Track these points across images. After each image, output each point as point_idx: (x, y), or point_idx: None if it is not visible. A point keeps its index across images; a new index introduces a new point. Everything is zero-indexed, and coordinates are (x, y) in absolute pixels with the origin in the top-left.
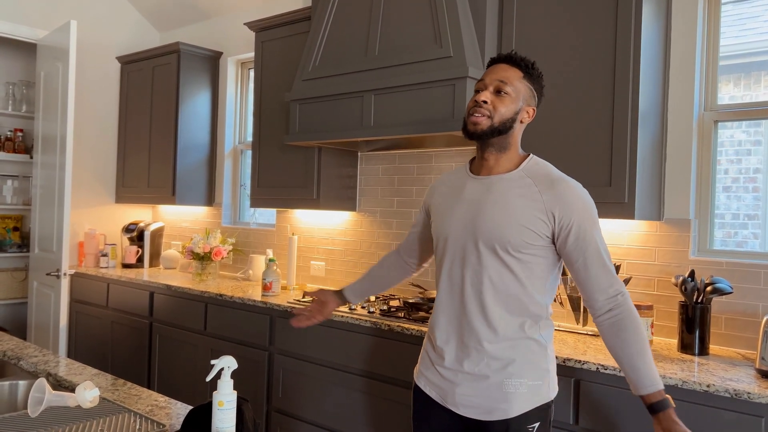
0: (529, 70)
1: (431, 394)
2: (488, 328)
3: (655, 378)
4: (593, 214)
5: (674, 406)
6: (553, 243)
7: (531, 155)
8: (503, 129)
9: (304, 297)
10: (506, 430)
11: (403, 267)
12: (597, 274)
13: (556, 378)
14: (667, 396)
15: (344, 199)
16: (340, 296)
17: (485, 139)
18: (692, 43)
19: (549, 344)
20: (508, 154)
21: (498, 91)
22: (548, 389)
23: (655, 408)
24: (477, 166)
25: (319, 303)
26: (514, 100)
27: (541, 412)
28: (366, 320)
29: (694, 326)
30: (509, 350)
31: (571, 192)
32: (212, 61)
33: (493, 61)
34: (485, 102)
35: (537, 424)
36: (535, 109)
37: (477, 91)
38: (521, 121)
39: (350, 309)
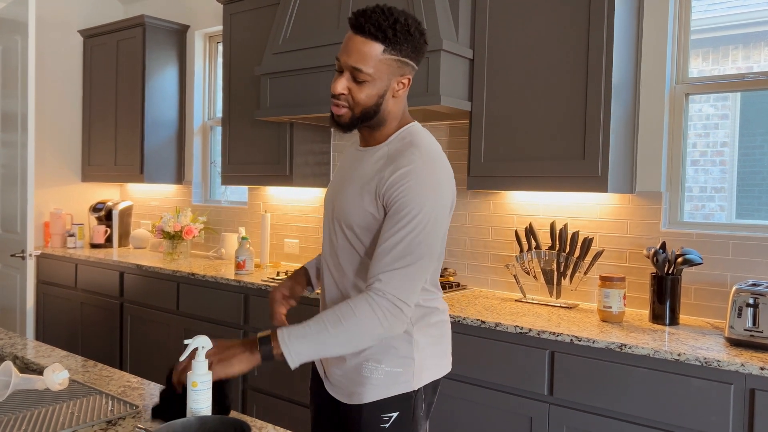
0: (390, 40)
1: (318, 369)
2: None
3: (295, 337)
4: (424, 194)
5: (258, 349)
6: None
7: (410, 124)
8: (366, 116)
9: (278, 275)
10: (360, 417)
11: None
12: (384, 257)
13: (429, 368)
14: (274, 344)
15: (317, 176)
16: (307, 277)
17: (351, 129)
18: (664, 16)
19: (419, 331)
20: (386, 126)
21: (356, 79)
22: (411, 378)
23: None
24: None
25: (290, 287)
26: (374, 83)
27: (401, 402)
28: None
29: (665, 297)
30: None
31: (409, 165)
32: (179, 35)
33: (351, 27)
34: (343, 94)
35: (395, 414)
36: (410, 77)
37: (337, 71)
38: (393, 96)
39: None
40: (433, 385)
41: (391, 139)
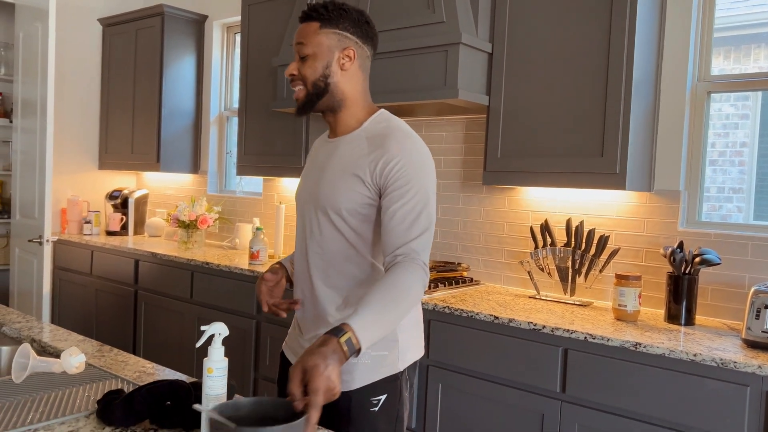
0: (324, 17)
1: (292, 362)
2: (334, 298)
3: (367, 324)
4: (420, 170)
5: (344, 348)
6: None
7: (380, 111)
8: (320, 91)
9: None
10: (349, 403)
11: None
12: (400, 226)
13: (411, 348)
14: (352, 336)
15: None
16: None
17: (310, 109)
18: (688, 13)
19: None
20: (348, 111)
21: (301, 57)
22: (396, 360)
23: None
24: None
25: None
26: (317, 57)
27: (387, 385)
28: None
29: (681, 297)
30: None
31: (399, 146)
32: (197, 25)
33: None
34: (293, 74)
35: (383, 397)
36: (354, 49)
37: None
38: (342, 69)
39: None
40: (414, 365)
41: (365, 125)
